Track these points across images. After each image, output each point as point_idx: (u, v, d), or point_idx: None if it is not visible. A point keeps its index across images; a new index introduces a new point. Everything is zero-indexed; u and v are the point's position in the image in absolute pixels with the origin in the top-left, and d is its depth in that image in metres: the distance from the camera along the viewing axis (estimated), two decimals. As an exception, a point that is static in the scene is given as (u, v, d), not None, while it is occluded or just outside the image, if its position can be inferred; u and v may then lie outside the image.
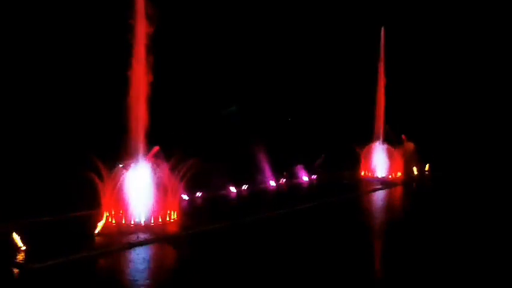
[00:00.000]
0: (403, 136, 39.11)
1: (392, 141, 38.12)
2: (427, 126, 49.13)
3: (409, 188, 35.83)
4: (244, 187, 30.71)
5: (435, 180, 37.45)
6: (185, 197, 26.77)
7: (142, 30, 22.93)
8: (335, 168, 37.28)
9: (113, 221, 21.97)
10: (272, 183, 32.84)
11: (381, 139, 38.00)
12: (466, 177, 37.89)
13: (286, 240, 20.89)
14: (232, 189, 30.44)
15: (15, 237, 17.90)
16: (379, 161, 37.70)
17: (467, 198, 30.51)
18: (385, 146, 37.91)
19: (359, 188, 34.26)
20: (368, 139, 38.50)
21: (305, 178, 35.02)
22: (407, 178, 37.53)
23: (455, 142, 48.25)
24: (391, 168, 37.65)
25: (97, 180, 22.06)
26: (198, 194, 27.98)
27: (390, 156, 37.73)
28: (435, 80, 52.77)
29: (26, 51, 36.55)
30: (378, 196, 32.41)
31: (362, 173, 37.68)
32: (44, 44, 36.78)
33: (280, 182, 33.18)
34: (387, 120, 38.71)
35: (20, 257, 17.28)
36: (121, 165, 22.79)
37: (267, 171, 33.66)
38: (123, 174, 22.42)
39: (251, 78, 47.88)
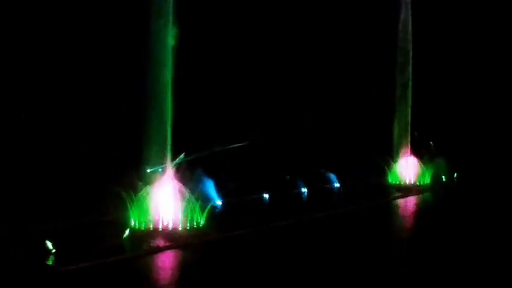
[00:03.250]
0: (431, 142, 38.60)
1: (420, 147, 37.54)
2: (455, 131, 48.33)
3: (437, 195, 35.12)
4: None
5: (465, 187, 36.60)
6: (218, 202, 26.84)
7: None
8: (360, 176, 36.80)
9: (142, 226, 22.00)
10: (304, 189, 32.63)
11: (408, 146, 37.38)
12: (496, 185, 36.88)
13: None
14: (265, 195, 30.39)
15: (47, 241, 18.10)
16: (406, 168, 37.03)
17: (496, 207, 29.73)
18: (412, 154, 37.28)
19: (386, 195, 33.70)
20: (394, 147, 37.91)
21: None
22: (435, 185, 36.78)
23: (486, 147, 47.25)
24: (419, 175, 36.96)
25: (124, 184, 22.20)
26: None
27: (418, 163, 37.05)
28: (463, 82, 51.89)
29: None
30: (402, 203, 31.90)
31: (389, 180, 37.09)
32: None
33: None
34: (414, 126, 38.08)
35: (51, 259, 17.45)
36: (148, 170, 22.95)
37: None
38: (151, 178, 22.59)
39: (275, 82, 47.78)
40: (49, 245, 18.13)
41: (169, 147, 23.09)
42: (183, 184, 22.93)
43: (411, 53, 37.57)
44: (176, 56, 23.26)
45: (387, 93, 38.97)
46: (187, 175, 23.57)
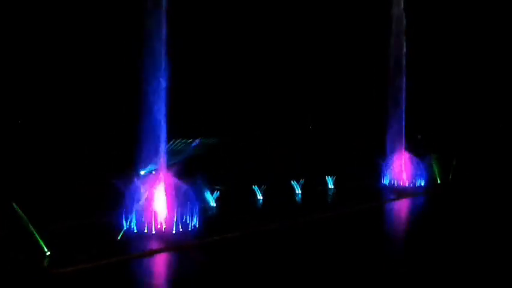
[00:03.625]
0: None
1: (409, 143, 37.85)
2: (450, 130, 48.45)
3: (432, 197, 35.30)
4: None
5: (460, 189, 36.71)
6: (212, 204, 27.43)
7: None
8: (355, 177, 37.19)
9: (135, 228, 22.60)
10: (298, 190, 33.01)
11: (403, 148, 37.67)
12: (492, 186, 37.01)
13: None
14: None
15: (40, 241, 18.65)
16: (401, 169, 37.31)
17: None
18: (407, 154, 37.56)
19: (379, 198, 33.91)
20: (388, 147, 38.22)
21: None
22: (430, 186, 36.95)
23: (481, 145, 47.30)
24: (413, 177, 37.23)
25: (118, 186, 22.74)
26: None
27: (413, 164, 37.30)
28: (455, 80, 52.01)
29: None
30: (395, 206, 32.26)
31: (383, 182, 37.41)
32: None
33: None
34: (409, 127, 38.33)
35: (45, 261, 18.00)
36: (142, 172, 23.50)
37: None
38: (144, 180, 23.15)
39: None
40: (43, 246, 18.69)
41: (163, 150, 23.60)
42: (178, 186, 23.43)
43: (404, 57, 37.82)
44: (175, 58, 23.74)
45: (382, 94, 39.16)
46: (184, 177, 24.06)
